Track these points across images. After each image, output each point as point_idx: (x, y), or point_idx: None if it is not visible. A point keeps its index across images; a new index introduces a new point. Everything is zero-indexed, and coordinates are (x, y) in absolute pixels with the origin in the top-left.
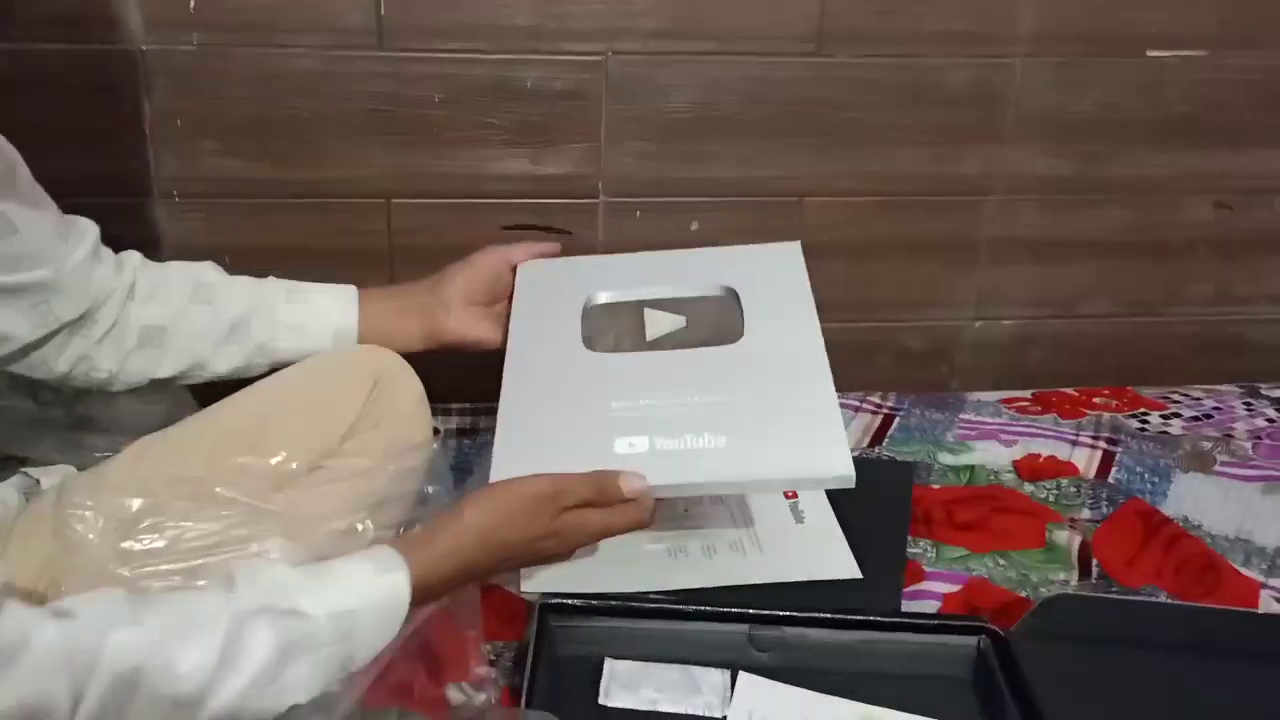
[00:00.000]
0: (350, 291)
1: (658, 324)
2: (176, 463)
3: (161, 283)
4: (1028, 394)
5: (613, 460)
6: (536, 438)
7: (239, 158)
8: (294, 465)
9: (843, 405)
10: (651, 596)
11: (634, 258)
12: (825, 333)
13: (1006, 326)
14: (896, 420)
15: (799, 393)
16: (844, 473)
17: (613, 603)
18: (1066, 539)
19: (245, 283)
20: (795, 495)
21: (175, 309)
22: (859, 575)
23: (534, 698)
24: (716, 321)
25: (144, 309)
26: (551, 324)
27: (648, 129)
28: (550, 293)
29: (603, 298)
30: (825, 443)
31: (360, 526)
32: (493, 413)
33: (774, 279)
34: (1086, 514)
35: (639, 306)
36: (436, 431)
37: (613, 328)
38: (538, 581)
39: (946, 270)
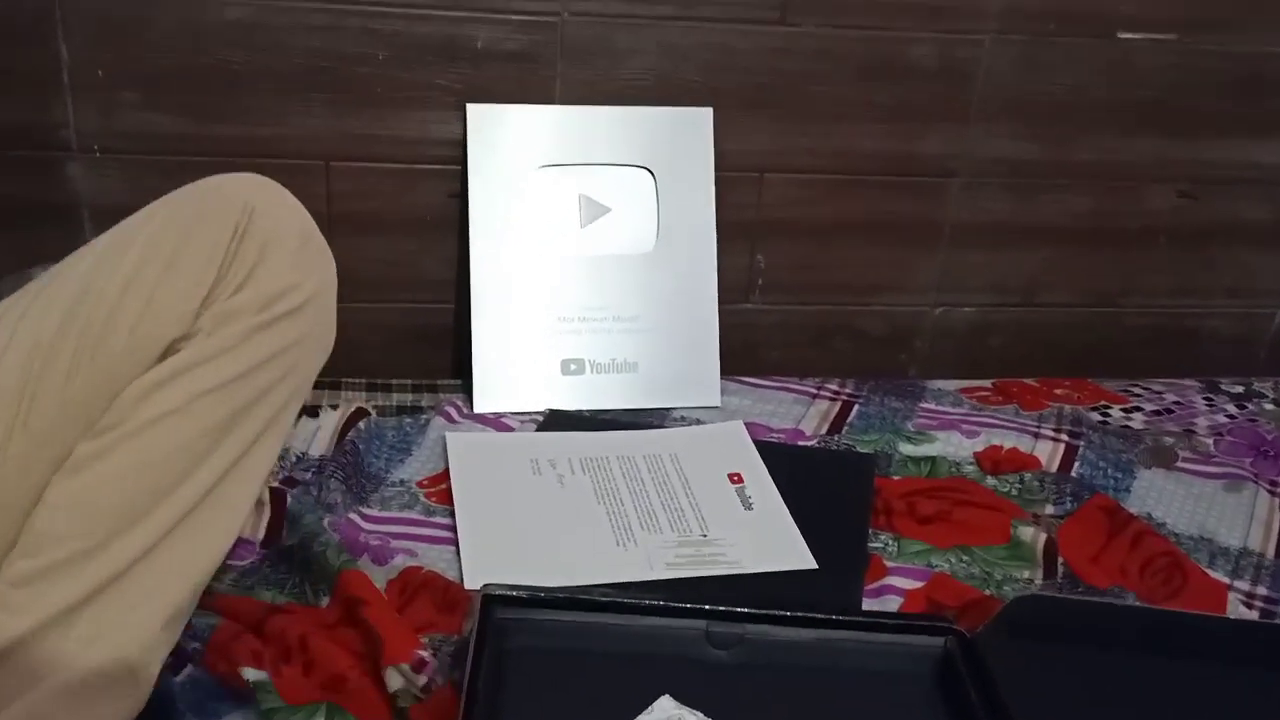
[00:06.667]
0: None
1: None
2: None
3: None
4: (988, 383)
5: None
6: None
7: (164, 111)
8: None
9: (799, 391)
10: (600, 589)
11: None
12: (782, 314)
13: (967, 313)
14: (856, 408)
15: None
16: (810, 565)
17: (560, 595)
18: (1031, 535)
19: None
20: (741, 480)
21: None
22: (814, 565)
23: (476, 692)
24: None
25: None
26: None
27: (600, 95)
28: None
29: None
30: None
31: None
32: (436, 390)
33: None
34: (1050, 509)
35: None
36: (365, 412)
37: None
38: (479, 573)
39: (908, 253)
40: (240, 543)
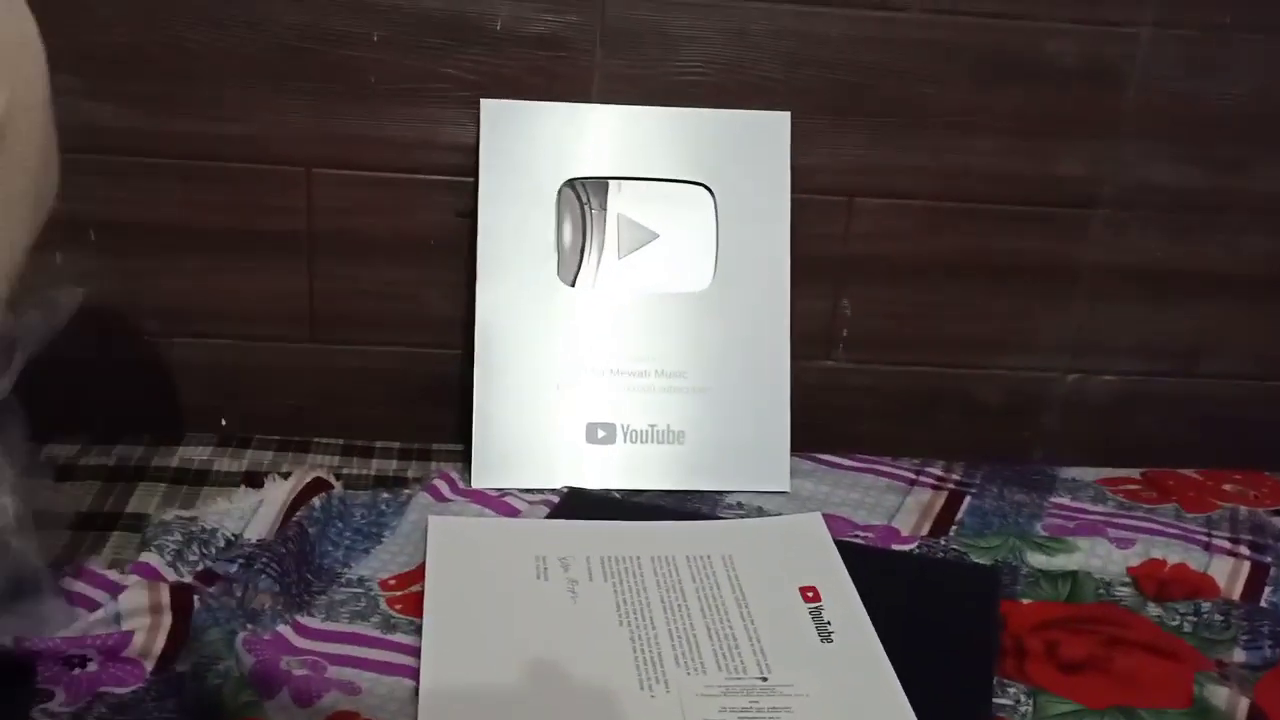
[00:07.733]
0: None
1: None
2: None
3: None
4: (1136, 474)
5: None
6: None
7: (107, 100)
8: None
9: (893, 475)
10: None
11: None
12: (873, 375)
13: (1109, 382)
14: (967, 500)
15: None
16: None
17: None
18: (1225, 699)
19: None
20: (818, 597)
21: None
22: None
23: None
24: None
25: None
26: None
27: (647, 93)
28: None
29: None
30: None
31: None
32: (429, 456)
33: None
34: (1241, 655)
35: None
36: (326, 483)
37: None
38: None
39: (1035, 303)
40: (122, 661)
